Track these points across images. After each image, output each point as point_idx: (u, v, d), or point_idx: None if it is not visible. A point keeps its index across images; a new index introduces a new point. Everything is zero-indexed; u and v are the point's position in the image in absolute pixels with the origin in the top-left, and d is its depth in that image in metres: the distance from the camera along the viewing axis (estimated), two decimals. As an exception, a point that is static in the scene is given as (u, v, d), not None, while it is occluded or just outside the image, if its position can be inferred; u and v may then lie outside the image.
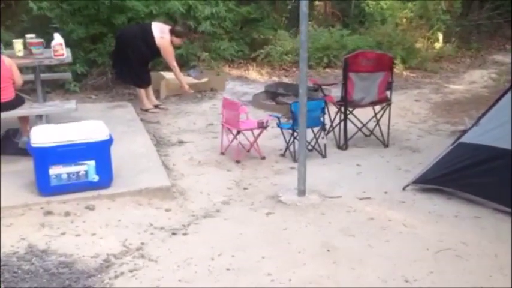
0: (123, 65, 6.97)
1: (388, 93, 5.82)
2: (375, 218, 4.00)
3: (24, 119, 4.79)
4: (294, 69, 9.86)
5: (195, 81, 8.08)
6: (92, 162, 4.00)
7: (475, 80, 9.20)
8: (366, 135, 6.08)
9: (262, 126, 5.40)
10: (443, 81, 9.14)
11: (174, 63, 7.00)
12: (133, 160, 4.80)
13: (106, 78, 7.83)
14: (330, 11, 12.76)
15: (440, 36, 10.80)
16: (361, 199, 4.34)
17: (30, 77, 5.14)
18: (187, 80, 8.05)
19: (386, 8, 10.97)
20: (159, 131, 6.33)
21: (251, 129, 5.48)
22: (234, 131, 5.43)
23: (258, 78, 9.41)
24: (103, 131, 4.09)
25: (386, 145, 5.82)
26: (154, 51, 6.90)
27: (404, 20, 10.82)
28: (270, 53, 9.89)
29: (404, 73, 9.45)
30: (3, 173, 4.36)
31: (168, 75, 7.96)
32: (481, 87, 8.64)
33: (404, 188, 4.52)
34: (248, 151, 5.56)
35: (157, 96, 7.52)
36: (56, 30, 4.95)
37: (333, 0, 12.36)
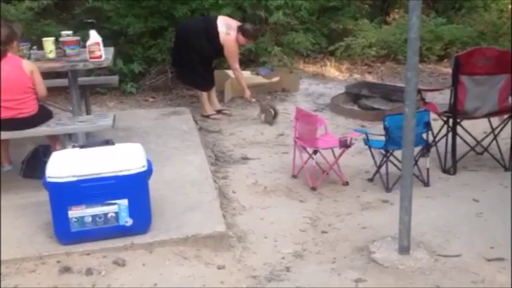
0: (183, 63, 6.05)
1: (510, 101, 4.49)
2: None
3: (52, 137, 3.95)
4: (379, 64, 8.57)
5: (264, 80, 7.04)
6: (125, 202, 3.04)
7: None
8: (478, 153, 4.77)
9: (345, 145, 4.26)
10: None
11: (236, 65, 6.00)
12: (182, 190, 3.82)
13: (166, 78, 6.95)
14: (421, -3, 11.29)
15: (556, 24, 9.04)
16: (489, 260, 3.10)
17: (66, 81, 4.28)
18: (256, 79, 7.03)
19: (488, -8, 9.37)
20: (220, 143, 5.34)
21: (331, 148, 4.36)
22: (310, 150, 4.33)
23: (337, 75, 8.22)
24: (139, 159, 3.12)
25: (507, 168, 4.49)
26: (217, 49, 5.91)
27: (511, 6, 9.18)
28: (350, 45, 8.65)
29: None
30: (23, 205, 3.53)
31: (233, 74, 6.97)
32: None
33: (548, 241, 3.23)
34: (327, 173, 4.45)
35: (221, 99, 6.55)
36: (93, 26, 4.03)
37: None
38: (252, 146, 5.31)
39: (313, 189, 4.26)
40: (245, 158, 4.95)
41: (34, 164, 3.97)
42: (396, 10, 10.94)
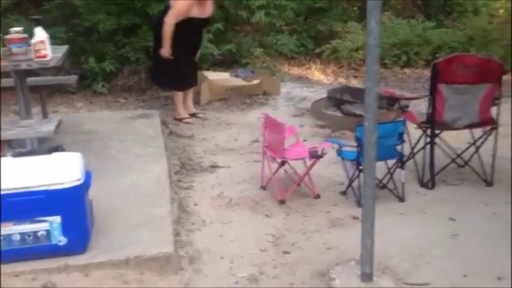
0: (156, 60, 5.70)
1: (493, 112, 4.21)
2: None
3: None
4: (365, 68, 8.30)
5: (244, 83, 6.75)
6: (57, 219, 2.74)
7: None
8: (459, 166, 4.49)
9: (316, 156, 3.97)
10: (554, 87, 7.23)
11: (169, 20, 5.30)
12: (135, 203, 3.53)
13: (139, 78, 6.64)
14: (410, 0, 11.01)
15: (548, 30, 8.79)
16: (461, 291, 2.82)
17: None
18: (235, 81, 6.74)
19: (479, -4, 9.12)
20: (190, 149, 5.05)
21: (301, 159, 4.07)
22: (279, 160, 4.05)
23: (322, 78, 7.95)
24: (75, 171, 2.81)
25: (489, 183, 4.22)
26: (189, 31, 5.40)
27: (502, 11, 8.92)
28: (337, 48, 8.39)
29: (504, 77, 7.58)
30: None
31: (211, 75, 6.69)
32: None
33: (528, 269, 2.95)
34: (298, 185, 4.16)
35: (198, 102, 6.26)
36: (38, 22, 3.72)
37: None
38: (223, 152, 5.02)
39: (282, 202, 3.98)
40: (214, 166, 4.66)
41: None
42: (385, 13, 10.68)
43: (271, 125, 4.07)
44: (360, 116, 5.97)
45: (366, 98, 2.52)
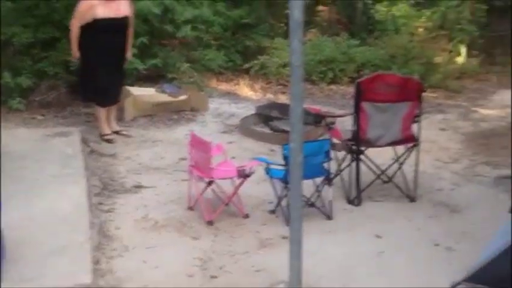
0: (79, 73, 5.41)
1: (414, 129, 4.33)
2: None
3: None
4: (293, 84, 8.37)
5: (170, 98, 6.58)
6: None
7: (507, 103, 7.67)
8: (384, 182, 4.57)
9: (243, 175, 3.90)
10: (469, 103, 7.65)
11: (71, 23, 5.14)
12: (51, 229, 3.29)
13: (58, 94, 6.31)
14: (335, 18, 11.30)
15: (463, 49, 9.31)
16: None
17: None
18: (161, 97, 6.57)
19: (399, 15, 9.49)
20: (112, 169, 4.83)
21: (228, 178, 3.99)
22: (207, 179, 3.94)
23: (250, 94, 7.92)
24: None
25: (412, 198, 4.32)
26: (97, 35, 5.11)
27: (421, 30, 9.34)
28: (265, 64, 8.41)
29: (423, 93, 7.92)
30: None
31: (136, 91, 6.48)
32: (518, 113, 7.12)
33: (453, 288, 3.00)
34: (226, 204, 4.07)
35: (121, 118, 6.02)
36: None
37: (337, 5, 10.86)
38: (148, 172, 4.84)
39: (210, 223, 3.86)
40: (138, 187, 4.48)
41: None
42: (312, 30, 10.90)
43: (198, 144, 3.96)
44: (289, 132, 6.01)
45: (291, 118, 2.47)
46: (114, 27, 5.23)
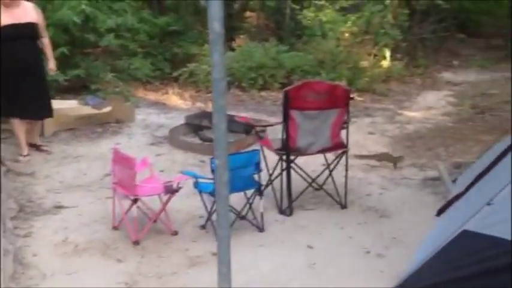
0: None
1: (343, 136, 4.33)
2: None
3: None
4: (223, 91, 8.25)
5: (94, 111, 6.30)
6: None
7: (431, 104, 7.96)
8: (315, 189, 4.55)
9: (170, 190, 3.73)
10: (395, 106, 7.83)
11: None
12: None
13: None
14: (264, 23, 11.32)
15: (388, 53, 9.56)
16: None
17: None
18: (84, 110, 6.28)
19: (326, 20, 9.61)
20: (30, 189, 4.52)
21: (155, 195, 3.81)
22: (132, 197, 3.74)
23: (180, 103, 7.74)
24: None
25: (343, 205, 4.31)
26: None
27: (347, 35, 9.50)
28: (194, 72, 8.25)
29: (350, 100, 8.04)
30: None
31: (57, 104, 6.12)
32: (442, 114, 7.38)
33: (384, 296, 2.99)
34: (154, 222, 3.88)
35: (41, 133, 5.68)
36: None
37: (265, 11, 10.88)
38: (70, 190, 4.57)
39: (136, 243, 3.67)
40: (58, 207, 4.22)
41: None
42: (242, 36, 10.84)
43: (121, 160, 3.75)
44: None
45: (215, 134, 2.34)
46: (18, 34, 4.93)
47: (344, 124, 4.31)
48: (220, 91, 2.25)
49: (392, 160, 5.29)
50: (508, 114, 6.93)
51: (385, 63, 9.49)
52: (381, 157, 5.42)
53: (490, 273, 2.60)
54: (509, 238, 2.61)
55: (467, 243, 2.72)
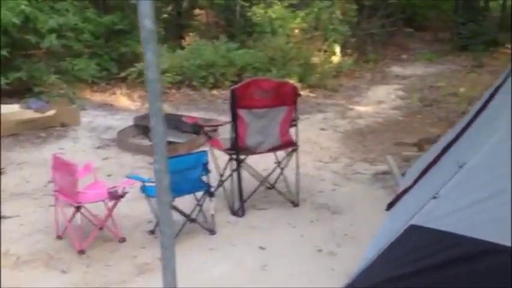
0: None
1: (292, 133, 4.29)
2: None
3: None
4: (174, 91, 8.11)
5: (36, 115, 6.05)
6: None
7: (381, 98, 8.07)
8: (268, 188, 4.50)
9: (115, 196, 3.59)
10: (347, 101, 7.89)
11: None
12: None
13: None
14: (214, 21, 11.21)
15: (337, 48, 9.63)
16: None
17: None
18: (26, 114, 6.02)
19: (275, 17, 9.58)
20: (-32, 200, 4.26)
21: (99, 201, 3.66)
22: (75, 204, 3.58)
23: (128, 104, 7.56)
24: None
25: (296, 204, 4.27)
26: None
27: (297, 31, 9.50)
28: (143, 71, 8.02)
29: (303, 93, 8.07)
30: None
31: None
32: (391, 108, 7.49)
33: (335, 294, 2.96)
34: (100, 229, 3.74)
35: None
36: None
37: (215, 8, 10.75)
38: (12, 199, 4.36)
39: (81, 252, 3.51)
40: (-1, 218, 3.98)
41: None
42: (191, 34, 10.70)
43: (61, 166, 3.58)
44: (171, 143, 5.73)
45: (154, 138, 2.23)
46: None
47: (293, 121, 4.27)
48: (156, 92, 2.13)
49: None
50: (453, 106, 7.12)
51: (335, 59, 9.56)
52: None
53: (437, 267, 2.61)
54: (456, 231, 2.63)
55: (415, 238, 2.73)
